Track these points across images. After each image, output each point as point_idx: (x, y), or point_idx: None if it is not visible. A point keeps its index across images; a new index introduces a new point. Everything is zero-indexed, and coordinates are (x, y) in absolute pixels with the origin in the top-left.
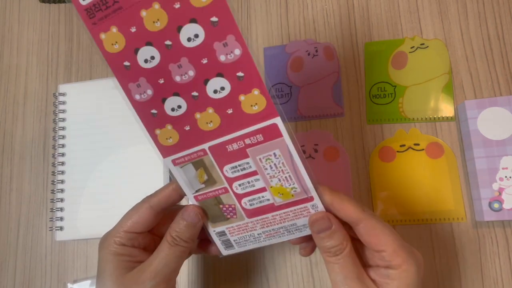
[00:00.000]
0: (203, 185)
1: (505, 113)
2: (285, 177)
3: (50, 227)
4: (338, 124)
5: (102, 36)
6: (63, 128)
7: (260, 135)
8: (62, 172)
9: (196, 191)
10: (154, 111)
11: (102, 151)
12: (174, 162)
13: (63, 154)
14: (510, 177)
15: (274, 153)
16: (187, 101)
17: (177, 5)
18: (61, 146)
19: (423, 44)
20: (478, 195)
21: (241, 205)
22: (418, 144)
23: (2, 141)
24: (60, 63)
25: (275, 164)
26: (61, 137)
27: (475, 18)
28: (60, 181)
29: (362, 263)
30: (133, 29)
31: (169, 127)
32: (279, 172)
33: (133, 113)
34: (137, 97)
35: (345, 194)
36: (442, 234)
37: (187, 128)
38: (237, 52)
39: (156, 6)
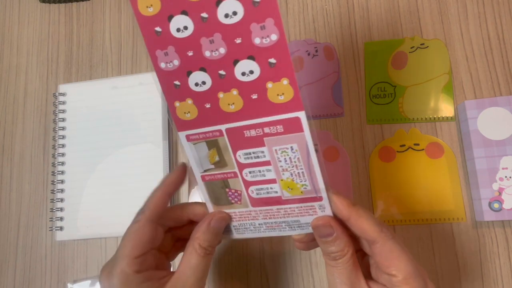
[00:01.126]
0: (212, 166)
1: (505, 113)
2: (298, 172)
3: (50, 227)
4: (338, 124)
5: None
6: (63, 128)
7: (281, 126)
8: (62, 172)
9: (205, 171)
10: (177, 82)
11: (102, 151)
12: (188, 137)
13: (63, 154)
14: (510, 177)
15: (291, 147)
16: (213, 79)
17: None
18: (61, 146)
19: (423, 44)
20: (478, 195)
21: (247, 192)
22: (418, 144)
23: (2, 141)
24: (60, 63)
25: (290, 158)
26: (61, 137)
27: (475, 18)
28: (60, 181)
29: (365, 273)
30: None
31: (189, 101)
32: (292, 167)
33: (155, 81)
34: (163, 65)
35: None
36: (442, 234)
37: (208, 105)
38: (274, 37)
39: None
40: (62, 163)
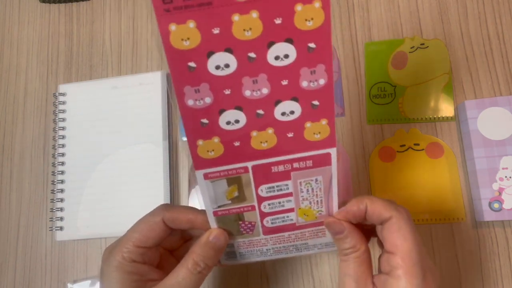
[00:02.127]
0: (229, 202)
1: (505, 113)
2: (317, 201)
3: (50, 227)
4: (338, 124)
5: (172, 27)
6: (63, 128)
7: (310, 161)
8: (62, 172)
9: (218, 206)
10: (205, 120)
11: (102, 151)
12: (206, 175)
13: (63, 154)
14: (510, 177)
15: (316, 179)
16: (248, 117)
17: (278, 21)
18: (61, 146)
19: (423, 44)
20: (478, 195)
21: (262, 223)
22: (418, 144)
23: (2, 141)
24: (60, 63)
25: (312, 188)
26: (61, 137)
27: (475, 18)
28: (60, 181)
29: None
30: (216, 31)
31: (215, 139)
32: (312, 196)
33: (179, 118)
34: (191, 102)
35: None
36: (442, 234)
37: (237, 144)
38: (322, 82)
39: (254, 15)
40: (62, 163)
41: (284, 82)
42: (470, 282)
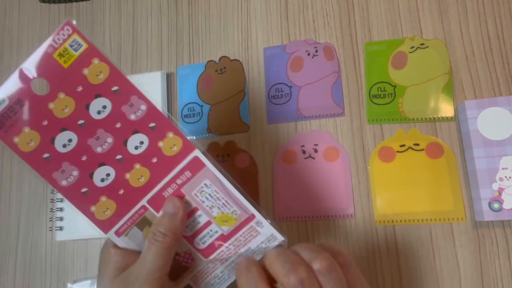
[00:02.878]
0: None
1: (505, 113)
2: (222, 203)
3: (50, 227)
4: (338, 124)
5: (16, 139)
6: None
7: (188, 171)
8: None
9: None
10: (84, 189)
11: None
12: (117, 233)
13: None
14: (510, 177)
15: (205, 184)
16: (114, 167)
17: (79, 88)
18: None
19: (423, 44)
20: (478, 195)
21: (194, 247)
22: (418, 144)
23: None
24: None
25: (209, 194)
26: None
27: (475, 18)
28: None
29: None
30: (45, 122)
31: (103, 198)
32: (215, 200)
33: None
34: (64, 182)
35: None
36: (442, 234)
37: (121, 192)
38: (143, 107)
39: (61, 95)
40: None
41: (118, 125)
42: (470, 282)
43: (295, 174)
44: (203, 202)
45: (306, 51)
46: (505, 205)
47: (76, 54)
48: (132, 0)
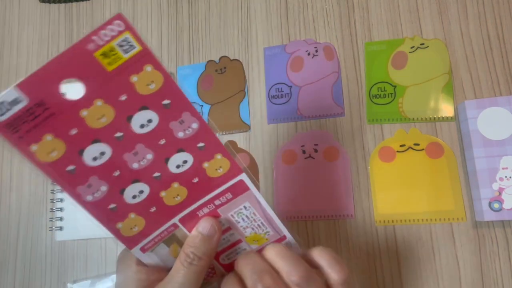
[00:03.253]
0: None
1: (505, 113)
2: (258, 224)
3: (50, 227)
4: (338, 124)
5: (34, 148)
6: None
7: (229, 193)
8: None
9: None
10: (112, 205)
11: None
12: (143, 249)
13: None
14: (510, 177)
15: (244, 206)
16: (150, 184)
17: (123, 97)
18: None
19: (423, 44)
20: (478, 195)
21: (219, 262)
22: (418, 144)
23: (2, 141)
24: None
25: (246, 216)
26: None
27: (475, 18)
28: None
29: None
30: (74, 131)
31: (132, 215)
32: (251, 222)
33: (86, 214)
34: (89, 198)
35: (344, 196)
36: (442, 234)
37: (153, 209)
38: (195, 126)
39: (99, 103)
40: None
41: (162, 141)
42: (470, 282)
43: (295, 174)
44: (238, 222)
45: (306, 51)
46: (505, 205)
47: (126, 56)
48: (132, 0)
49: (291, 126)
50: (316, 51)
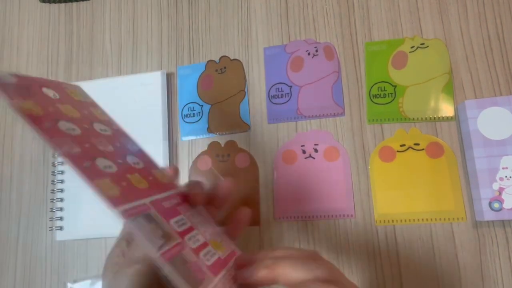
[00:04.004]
0: (163, 240)
1: (505, 113)
2: (211, 232)
3: (50, 227)
4: (338, 124)
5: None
6: None
7: (178, 198)
8: (62, 172)
9: (160, 247)
10: (87, 164)
11: None
12: (126, 213)
13: None
14: (510, 177)
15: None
16: (116, 165)
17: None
18: None
19: (423, 44)
20: (478, 195)
21: (201, 259)
22: (418, 144)
23: (2, 142)
24: (60, 63)
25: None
26: None
27: (475, 18)
28: (60, 181)
29: None
30: (51, 109)
31: (107, 180)
32: (205, 227)
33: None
34: (66, 149)
35: (344, 195)
36: (442, 234)
37: (124, 184)
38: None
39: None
40: (62, 163)
41: (118, 144)
42: (470, 282)
43: (295, 174)
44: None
45: (306, 51)
46: (505, 205)
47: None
48: (132, 0)
49: (291, 126)
50: (316, 51)
